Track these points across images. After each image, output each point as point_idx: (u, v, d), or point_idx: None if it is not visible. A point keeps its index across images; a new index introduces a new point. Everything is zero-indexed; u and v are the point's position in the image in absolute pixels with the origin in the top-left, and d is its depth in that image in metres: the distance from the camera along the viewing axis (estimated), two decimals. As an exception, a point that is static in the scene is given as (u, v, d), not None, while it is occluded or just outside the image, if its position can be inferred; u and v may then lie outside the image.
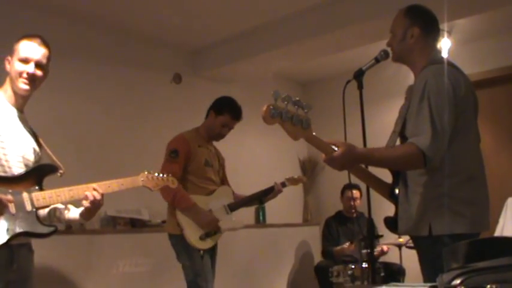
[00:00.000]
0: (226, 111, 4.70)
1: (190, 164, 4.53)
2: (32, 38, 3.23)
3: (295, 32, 5.95)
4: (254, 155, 7.39)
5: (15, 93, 3.19)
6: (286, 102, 2.45)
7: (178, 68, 6.61)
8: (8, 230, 2.94)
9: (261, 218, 7.28)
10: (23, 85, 3.16)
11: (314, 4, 5.63)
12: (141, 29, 6.07)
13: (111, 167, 5.40)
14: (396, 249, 6.17)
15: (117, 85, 5.97)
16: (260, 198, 4.95)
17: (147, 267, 5.55)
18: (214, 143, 4.87)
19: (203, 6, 5.63)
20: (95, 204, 3.21)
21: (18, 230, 2.98)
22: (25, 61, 3.17)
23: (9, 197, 2.95)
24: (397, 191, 3.02)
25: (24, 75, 3.15)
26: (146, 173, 3.60)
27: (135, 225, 5.67)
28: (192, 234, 4.38)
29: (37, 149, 3.29)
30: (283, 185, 4.96)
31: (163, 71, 6.47)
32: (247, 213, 6.74)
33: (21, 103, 3.24)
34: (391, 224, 3.04)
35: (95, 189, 3.21)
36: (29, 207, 3.03)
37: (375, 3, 5.25)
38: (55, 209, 3.30)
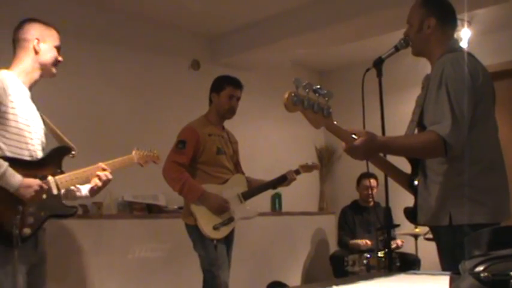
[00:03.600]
0: (226, 84, 4.70)
1: (202, 154, 4.53)
2: (53, 27, 3.37)
3: (314, 20, 5.92)
4: (271, 143, 7.39)
5: (35, 73, 3.25)
6: (307, 90, 2.43)
7: (197, 54, 6.61)
8: (40, 214, 3.09)
9: (277, 206, 7.28)
10: (54, 70, 3.32)
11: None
12: (160, 15, 6.07)
13: (127, 151, 5.42)
14: (412, 239, 6.16)
15: (135, 70, 5.99)
16: (274, 186, 4.96)
17: (163, 252, 5.58)
18: (229, 127, 4.86)
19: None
20: (106, 183, 3.38)
21: (48, 213, 3.13)
22: (58, 49, 3.32)
23: (44, 184, 3.07)
24: (416, 181, 3.00)
25: (58, 62, 3.32)
26: (136, 150, 3.82)
27: (152, 210, 5.70)
28: (206, 224, 4.39)
29: (44, 129, 3.36)
30: (297, 172, 4.96)
31: (182, 57, 6.47)
32: (263, 202, 6.75)
33: (33, 84, 3.29)
34: (411, 214, 3.03)
35: (104, 169, 3.36)
36: (55, 191, 3.15)
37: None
38: (69, 189, 3.38)
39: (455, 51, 2.91)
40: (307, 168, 5.08)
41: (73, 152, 3.35)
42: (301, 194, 7.45)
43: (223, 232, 4.48)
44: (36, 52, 3.22)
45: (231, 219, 4.52)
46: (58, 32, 3.37)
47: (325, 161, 8.00)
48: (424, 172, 2.93)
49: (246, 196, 4.72)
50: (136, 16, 6.00)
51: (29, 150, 3.13)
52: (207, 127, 4.64)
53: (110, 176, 3.37)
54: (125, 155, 3.69)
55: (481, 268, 1.39)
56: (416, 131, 2.95)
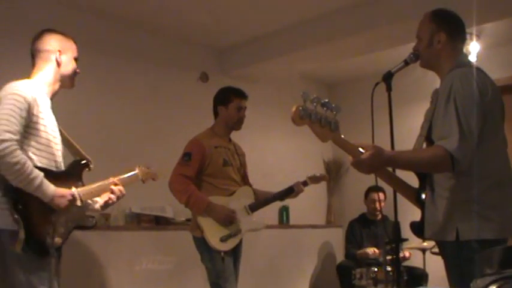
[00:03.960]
0: (233, 96, 4.69)
1: (208, 166, 4.52)
2: (72, 38, 3.40)
3: (323, 33, 5.94)
4: (279, 155, 7.38)
5: (56, 85, 3.27)
6: (315, 104, 2.44)
7: (206, 66, 6.62)
8: (68, 225, 3.17)
9: (284, 218, 7.27)
10: (74, 82, 3.37)
11: (342, 6, 5.61)
12: (169, 28, 6.09)
13: (136, 163, 5.43)
14: (420, 253, 6.12)
15: (144, 82, 6.01)
16: (281, 198, 4.95)
17: (170, 265, 5.57)
18: (237, 139, 4.86)
19: (231, 5, 5.64)
20: (120, 198, 3.44)
21: (74, 224, 3.22)
22: (77, 60, 3.35)
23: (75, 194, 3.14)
24: (423, 195, 2.99)
25: (76, 74, 3.36)
26: (139, 167, 3.78)
27: (159, 222, 5.70)
28: (213, 236, 4.38)
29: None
30: (305, 183, 4.94)
31: (191, 69, 6.49)
32: (271, 214, 6.74)
33: (54, 95, 3.31)
34: (417, 228, 3.02)
35: (116, 184, 3.41)
36: (79, 203, 3.18)
37: (403, 5, 5.22)
38: (86, 202, 3.39)
39: (464, 66, 2.91)
40: (315, 179, 5.05)
41: (91, 166, 3.39)
42: (308, 206, 7.44)
43: (231, 244, 4.47)
44: (58, 64, 3.25)
45: (238, 231, 4.51)
46: (76, 43, 3.40)
47: (333, 174, 7.99)
48: (431, 187, 2.92)
49: (253, 208, 4.70)
50: (145, 28, 6.03)
51: (55, 161, 3.18)
52: (214, 139, 4.64)
53: (124, 191, 3.43)
54: (130, 169, 3.69)
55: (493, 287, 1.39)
56: (424, 145, 2.95)
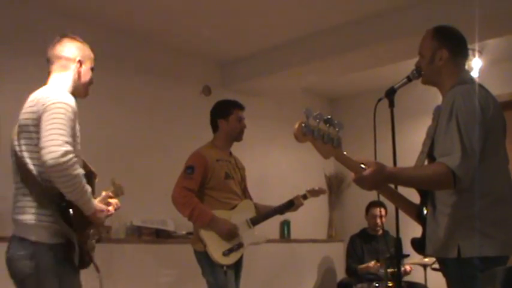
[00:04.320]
0: (232, 108, 4.74)
1: (210, 180, 4.53)
2: (89, 46, 3.34)
3: (326, 48, 5.96)
4: (280, 169, 7.38)
5: (72, 94, 3.11)
6: (317, 120, 2.44)
7: (208, 80, 6.64)
8: (95, 238, 3.11)
9: (285, 233, 7.26)
10: (87, 93, 3.34)
11: (345, 21, 5.64)
12: (173, 41, 6.12)
13: (136, 175, 5.44)
14: (421, 268, 6.11)
15: (147, 95, 6.02)
16: (282, 212, 4.95)
17: (171, 278, 5.57)
18: (239, 153, 4.87)
19: (234, 20, 5.67)
20: (116, 210, 3.32)
21: (96, 237, 3.14)
22: (92, 70, 3.32)
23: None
24: (425, 211, 2.99)
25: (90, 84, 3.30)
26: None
27: (160, 235, 5.69)
28: (215, 250, 4.37)
29: None
30: (304, 197, 4.96)
31: (193, 82, 6.50)
32: (272, 228, 6.73)
33: None
34: (418, 245, 3.01)
35: (111, 197, 3.33)
36: None
37: (406, 21, 5.25)
38: None
39: (466, 83, 2.91)
40: (314, 192, 5.07)
41: (96, 180, 3.36)
42: (310, 221, 7.44)
43: (233, 258, 4.46)
44: (78, 74, 3.18)
45: (240, 245, 4.50)
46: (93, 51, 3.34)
47: (334, 188, 7.99)
48: (433, 203, 2.91)
49: (255, 222, 4.70)
50: (148, 41, 6.05)
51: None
52: (215, 153, 4.66)
53: (119, 204, 3.35)
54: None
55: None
56: (426, 162, 2.95)
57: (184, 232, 5.68)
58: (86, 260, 3.00)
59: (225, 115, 4.71)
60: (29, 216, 2.88)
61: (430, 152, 2.90)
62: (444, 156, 2.72)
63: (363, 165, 2.68)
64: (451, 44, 3.03)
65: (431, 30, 3.11)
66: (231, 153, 4.82)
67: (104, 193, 3.30)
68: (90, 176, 3.29)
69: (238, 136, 4.75)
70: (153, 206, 5.41)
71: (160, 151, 5.93)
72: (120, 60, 5.79)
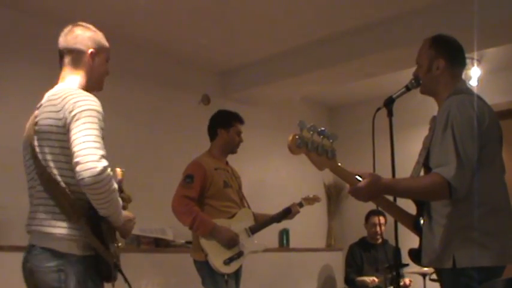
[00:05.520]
0: (234, 121, 4.80)
1: (209, 188, 4.55)
2: (104, 37, 3.10)
3: (324, 57, 5.97)
4: (279, 178, 7.38)
5: (87, 89, 2.90)
6: (311, 132, 2.46)
7: (207, 89, 6.64)
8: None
9: (284, 241, 7.25)
10: (103, 84, 3.11)
11: (344, 30, 5.65)
12: (171, 49, 6.13)
13: (134, 184, 5.42)
14: (421, 278, 6.09)
15: (145, 103, 6.02)
16: (279, 220, 4.98)
17: (170, 287, 5.55)
18: (238, 162, 4.89)
19: (234, 29, 5.68)
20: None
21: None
22: (107, 61, 3.10)
23: None
24: (421, 222, 2.99)
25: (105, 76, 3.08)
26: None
27: (159, 245, 5.68)
28: (216, 259, 4.38)
29: None
30: (300, 205, 5.04)
31: (192, 91, 6.50)
32: (271, 237, 6.72)
33: None
34: (415, 255, 3.02)
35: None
36: None
37: (404, 30, 5.26)
38: None
39: (461, 93, 2.92)
40: (309, 200, 5.18)
41: None
42: (309, 230, 7.43)
43: (234, 267, 4.47)
44: (91, 68, 2.95)
45: (240, 254, 4.51)
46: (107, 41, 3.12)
47: (333, 197, 7.99)
48: (429, 214, 2.92)
49: (254, 230, 4.72)
50: (147, 50, 6.05)
51: None
52: (213, 161, 4.69)
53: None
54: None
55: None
56: (422, 172, 2.95)
57: (183, 241, 5.67)
58: (114, 274, 2.82)
59: (227, 126, 4.75)
60: (56, 230, 2.65)
61: (425, 162, 2.90)
62: (439, 166, 2.73)
63: (358, 177, 2.69)
64: (447, 53, 3.04)
65: (428, 39, 3.12)
66: (227, 163, 4.86)
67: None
68: None
69: (234, 148, 4.82)
70: (152, 215, 5.39)
71: (159, 160, 5.93)
72: (119, 70, 5.77)
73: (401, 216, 3.08)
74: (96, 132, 2.65)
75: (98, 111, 2.71)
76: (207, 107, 6.49)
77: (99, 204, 2.61)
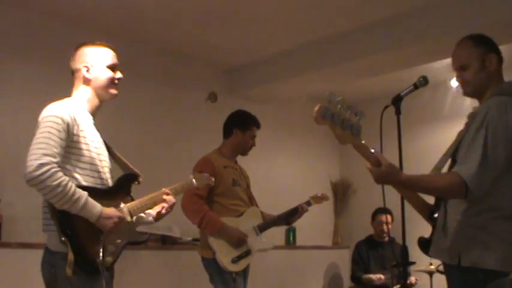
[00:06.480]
0: (252, 124, 4.79)
1: (218, 186, 4.52)
2: (104, 45, 3.30)
3: (332, 55, 5.98)
4: (286, 176, 7.37)
5: (95, 100, 3.20)
6: (339, 106, 2.43)
7: (214, 86, 6.65)
8: (118, 242, 3.09)
9: (291, 239, 7.26)
10: (114, 91, 3.28)
11: (353, 28, 5.65)
12: (179, 47, 6.14)
13: (142, 181, 5.42)
14: (427, 277, 6.08)
15: (153, 101, 6.03)
16: (287, 218, 4.96)
17: (177, 284, 5.55)
18: (245, 160, 4.89)
19: (241, 26, 5.68)
20: (172, 207, 3.33)
21: (125, 240, 3.14)
22: (113, 67, 3.28)
23: (122, 215, 3.04)
24: (436, 214, 2.98)
25: (116, 81, 3.29)
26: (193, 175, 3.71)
27: (166, 242, 5.68)
28: (224, 257, 4.37)
29: (108, 156, 3.30)
30: (308, 203, 5.02)
31: (200, 89, 6.51)
32: (277, 235, 6.72)
33: (96, 110, 3.25)
34: (424, 245, 3.02)
35: (167, 194, 3.31)
36: (129, 218, 3.10)
37: (412, 29, 5.24)
38: (138, 215, 3.30)
39: (505, 95, 2.85)
40: (317, 199, 5.16)
41: (140, 179, 3.34)
42: (315, 227, 7.43)
43: (242, 265, 4.47)
44: (89, 80, 3.16)
45: (248, 252, 4.51)
46: (111, 47, 3.31)
47: (340, 195, 7.97)
48: (445, 208, 2.91)
49: (262, 228, 4.72)
50: (154, 48, 6.06)
51: (101, 178, 3.09)
52: (222, 159, 4.68)
53: (174, 200, 3.33)
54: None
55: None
56: (449, 162, 2.94)
57: (190, 238, 5.68)
58: (95, 268, 2.91)
59: (244, 128, 4.74)
60: (44, 227, 2.95)
61: (453, 155, 2.89)
62: (462, 164, 2.73)
63: (380, 160, 2.67)
64: (495, 47, 2.99)
65: (469, 40, 3.03)
66: (236, 162, 4.86)
67: (163, 189, 3.31)
68: (129, 178, 3.30)
69: (245, 151, 4.82)
70: (159, 212, 5.39)
71: (166, 157, 5.93)
72: (126, 67, 5.78)
73: (418, 203, 3.07)
74: (46, 135, 2.82)
75: (56, 117, 2.89)
76: (214, 104, 6.50)
77: (49, 200, 2.80)
